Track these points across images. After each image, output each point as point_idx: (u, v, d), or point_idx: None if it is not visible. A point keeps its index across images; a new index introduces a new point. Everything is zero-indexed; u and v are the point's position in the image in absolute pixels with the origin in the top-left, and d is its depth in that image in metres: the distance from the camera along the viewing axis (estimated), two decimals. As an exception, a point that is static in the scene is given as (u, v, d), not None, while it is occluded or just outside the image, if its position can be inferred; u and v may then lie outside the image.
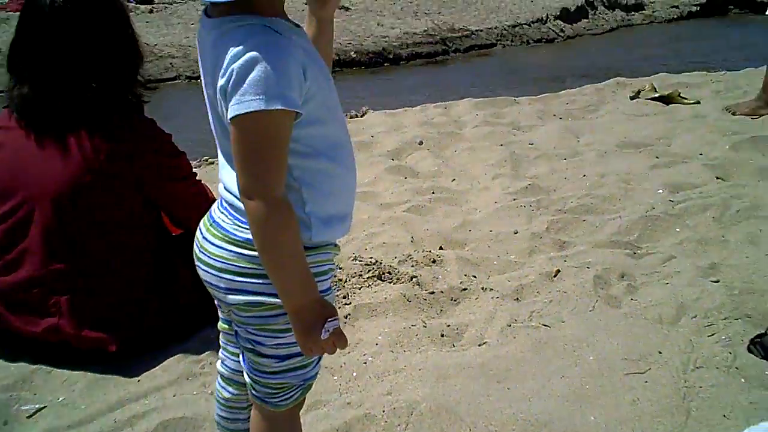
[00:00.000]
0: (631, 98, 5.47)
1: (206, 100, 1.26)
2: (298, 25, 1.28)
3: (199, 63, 1.26)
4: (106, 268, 2.10)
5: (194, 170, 2.32)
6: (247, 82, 1.08)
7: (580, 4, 14.97)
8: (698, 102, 5.24)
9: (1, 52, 9.74)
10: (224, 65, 1.10)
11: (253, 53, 1.08)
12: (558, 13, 14.29)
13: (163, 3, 12.00)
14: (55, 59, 2.13)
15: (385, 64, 10.45)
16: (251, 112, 1.08)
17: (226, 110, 1.12)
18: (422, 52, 11.67)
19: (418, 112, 5.38)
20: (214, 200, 2.34)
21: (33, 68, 2.17)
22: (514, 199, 3.40)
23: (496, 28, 13.18)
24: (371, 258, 2.76)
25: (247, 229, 1.24)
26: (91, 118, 2.16)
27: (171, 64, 9.37)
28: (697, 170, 3.73)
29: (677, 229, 3.02)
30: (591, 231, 3.07)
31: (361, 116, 5.28)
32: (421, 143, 4.44)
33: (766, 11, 4.76)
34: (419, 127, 4.86)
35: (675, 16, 16.01)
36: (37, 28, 2.17)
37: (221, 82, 1.12)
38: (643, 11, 15.95)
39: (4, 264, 2.10)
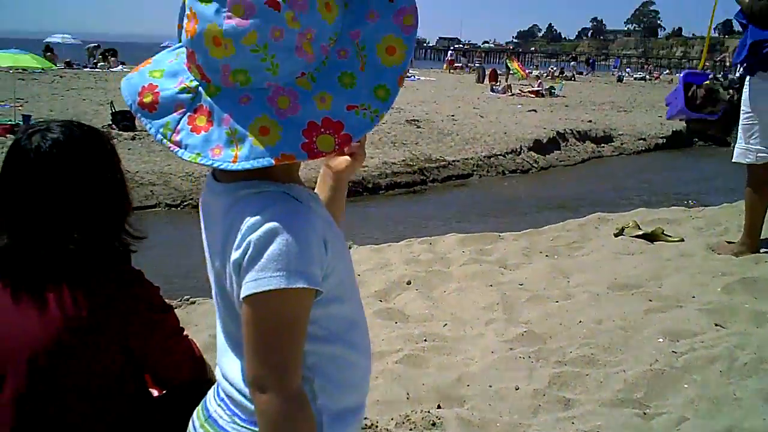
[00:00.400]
0: (615, 235, 5.47)
1: (210, 273, 1.14)
2: (314, 192, 1.18)
3: (203, 231, 1.15)
4: (81, 441, 1.89)
5: (181, 326, 2.15)
6: (265, 256, 0.96)
7: (552, 137, 15.55)
8: (682, 239, 5.25)
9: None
10: (239, 236, 0.99)
11: (273, 224, 0.97)
12: (531, 145, 14.81)
13: (145, 130, 12.13)
14: (37, 207, 2.00)
15: (365, 194, 10.54)
16: (270, 290, 0.96)
17: (238, 287, 1.00)
18: (401, 182, 11.88)
19: (404, 248, 5.32)
20: (201, 358, 2.18)
21: (13, 216, 2.03)
22: (511, 349, 3.26)
23: (472, 158, 13.56)
24: (366, 419, 2.56)
25: (248, 428, 1.08)
26: (74, 271, 2.01)
27: (151, 191, 9.37)
28: (694, 316, 3.65)
29: (685, 385, 2.88)
30: (595, 387, 2.92)
31: (346, 251, 5.20)
32: (409, 283, 4.33)
33: (731, 146, 4.84)
34: (406, 264, 4.78)
35: (642, 148, 16.71)
36: (19, 174, 2.04)
37: (235, 255, 0.99)
38: (612, 143, 16.62)
39: (-31, 434, 1.88)
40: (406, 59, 0.99)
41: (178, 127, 0.98)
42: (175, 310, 2.19)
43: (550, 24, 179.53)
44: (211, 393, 1.23)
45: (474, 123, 16.45)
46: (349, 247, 5.25)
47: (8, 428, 1.88)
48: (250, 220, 0.98)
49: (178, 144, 0.98)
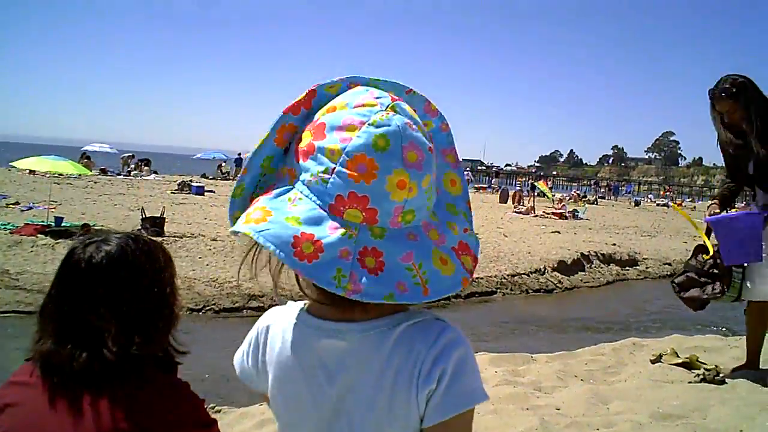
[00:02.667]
0: (653, 362, 5.30)
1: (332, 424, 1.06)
2: None
3: (324, 377, 1.06)
4: None
5: (220, 438, 2.07)
6: (466, 374, 1.01)
7: (576, 258, 15.48)
8: (718, 371, 5.05)
9: (9, 274, 9.77)
10: (428, 371, 1.00)
11: (462, 347, 1.03)
12: (555, 265, 14.73)
13: (173, 236, 12.30)
14: (83, 316, 1.98)
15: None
16: (472, 408, 1.02)
17: (420, 411, 1.01)
18: (423, 297, 11.78)
19: (434, 366, 5.17)
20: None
21: (58, 322, 2.01)
22: (555, 479, 3.08)
23: (495, 276, 13.48)
24: None
25: None
26: (116, 381, 1.95)
27: (175, 297, 9.35)
28: (745, 451, 3.45)
29: None
30: None
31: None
32: (441, 403, 4.17)
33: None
34: (437, 383, 4.63)
35: (668, 273, 16.48)
36: (69, 283, 2.05)
37: (431, 387, 1.00)
38: (637, 267, 16.49)
39: None
40: (465, 187, 1.15)
41: (353, 272, 0.95)
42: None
43: (571, 150, 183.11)
44: None
45: (498, 242, 16.48)
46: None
47: None
48: (434, 351, 1.01)
49: (358, 290, 0.95)
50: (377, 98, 1.01)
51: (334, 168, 0.97)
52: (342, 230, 0.97)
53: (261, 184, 1.08)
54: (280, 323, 1.13)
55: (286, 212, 0.99)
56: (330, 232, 0.96)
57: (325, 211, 0.98)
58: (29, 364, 2.01)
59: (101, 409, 1.88)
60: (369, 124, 0.97)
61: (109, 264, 1.96)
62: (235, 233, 0.99)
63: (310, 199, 0.99)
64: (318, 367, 1.06)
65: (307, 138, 1.02)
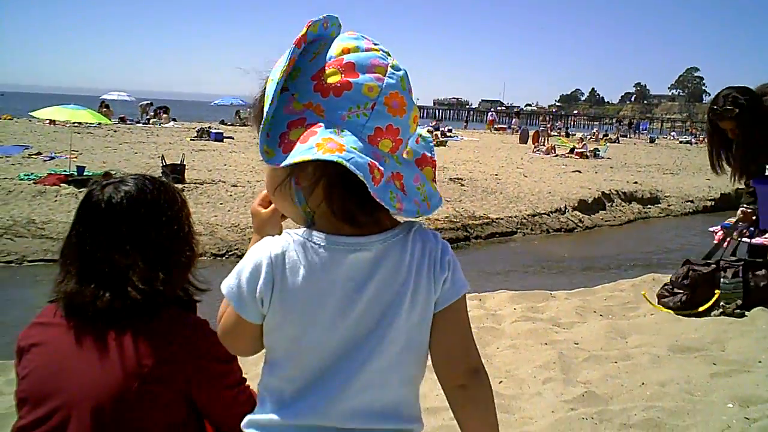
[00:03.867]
0: (672, 296, 5.30)
1: (370, 316, 1.18)
2: None
3: (355, 289, 1.17)
4: (142, 488, 1.84)
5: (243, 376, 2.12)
6: (458, 267, 1.23)
7: (597, 197, 15.38)
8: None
9: (35, 223, 9.93)
10: (440, 259, 1.20)
11: (447, 244, 1.24)
12: (576, 204, 14.65)
13: (194, 183, 12.38)
14: (105, 255, 2.01)
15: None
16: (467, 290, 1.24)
17: (437, 290, 1.19)
18: (444, 238, 11.79)
19: (453, 304, 5.23)
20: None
21: (81, 262, 2.04)
22: (572, 409, 3.13)
23: (515, 216, 13.45)
24: (424, 477, 2.46)
25: None
26: (139, 319, 2.00)
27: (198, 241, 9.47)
28: (763, 381, 3.48)
29: (762, 454, 2.72)
30: (665, 452, 2.77)
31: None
32: (461, 339, 4.23)
33: None
34: (457, 320, 4.68)
35: (690, 210, 16.36)
36: (90, 223, 2.07)
37: (445, 275, 1.19)
38: (659, 204, 16.34)
39: (31, 475, 1.85)
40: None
41: (396, 193, 1.14)
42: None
43: (593, 88, 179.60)
44: None
45: (518, 182, 16.40)
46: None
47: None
48: (439, 246, 1.21)
49: (401, 208, 1.15)
50: (376, 44, 1.17)
51: (374, 104, 1.11)
52: (383, 159, 1.13)
53: (277, 119, 1.13)
54: (295, 249, 1.16)
55: (349, 143, 1.10)
56: (378, 162, 1.10)
57: (364, 142, 1.10)
58: (52, 305, 2.06)
59: (125, 346, 1.93)
60: (391, 67, 1.13)
61: (130, 203, 1.98)
62: (322, 161, 1.06)
63: (351, 132, 1.10)
64: (348, 280, 1.16)
65: (335, 75, 1.11)
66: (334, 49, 1.13)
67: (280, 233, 1.25)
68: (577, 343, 4.23)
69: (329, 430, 1.20)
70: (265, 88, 1.16)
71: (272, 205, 1.32)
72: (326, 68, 1.12)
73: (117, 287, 1.97)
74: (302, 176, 1.15)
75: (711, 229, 5.36)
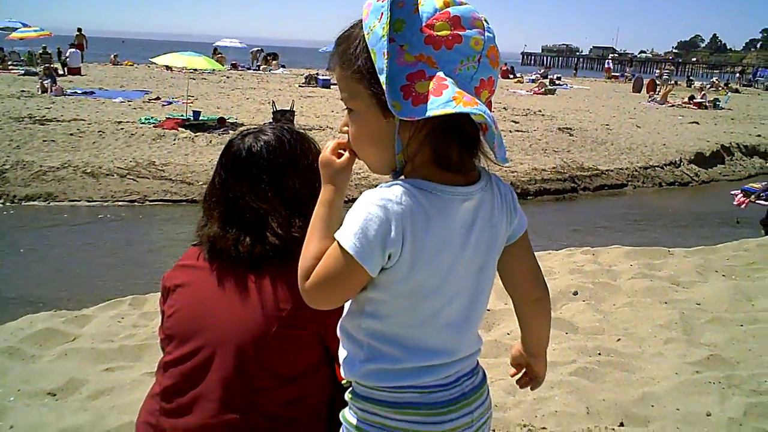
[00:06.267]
0: (803, 259, 5.01)
1: (470, 256, 1.26)
2: None
3: (466, 235, 1.24)
4: (281, 423, 1.94)
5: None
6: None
7: (715, 150, 14.59)
8: None
9: (155, 165, 10.45)
10: (513, 200, 1.32)
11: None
12: (692, 158, 13.96)
13: (303, 128, 12.58)
14: (245, 201, 2.09)
15: (513, 198, 10.37)
16: None
17: (511, 227, 1.32)
18: (551, 189, 11.56)
19: (566, 257, 5.15)
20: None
21: (223, 208, 2.13)
22: (697, 372, 3.04)
23: (626, 168, 12.96)
24: (544, 429, 2.48)
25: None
26: (277, 263, 2.07)
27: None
28: None
29: None
30: (799, 421, 2.66)
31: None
32: (575, 293, 4.17)
33: None
34: (570, 274, 4.61)
35: (820, 166, 15.23)
36: (231, 171, 2.15)
37: (518, 213, 1.33)
38: (785, 159, 15.30)
39: (177, 407, 1.98)
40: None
41: (495, 142, 1.19)
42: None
43: (714, 34, 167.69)
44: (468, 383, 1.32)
45: (630, 133, 15.74)
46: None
47: (213, 405, 1.96)
48: (509, 190, 1.33)
49: (501, 154, 1.21)
50: None
51: (479, 57, 1.14)
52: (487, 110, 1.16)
53: (392, 71, 1.13)
54: (418, 200, 1.18)
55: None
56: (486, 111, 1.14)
57: (472, 93, 1.12)
58: (195, 248, 2.16)
59: (265, 289, 2.01)
60: (485, 21, 1.16)
61: (269, 151, 2.05)
62: (466, 113, 1.10)
63: (463, 85, 1.12)
64: (461, 227, 1.23)
65: (445, 28, 1.12)
66: (436, 2, 1.14)
67: (347, 182, 1.32)
68: (698, 304, 4.08)
69: (448, 366, 1.29)
70: (350, 33, 1.18)
71: (345, 155, 1.31)
72: (434, 21, 1.12)
73: (257, 232, 2.04)
74: (406, 126, 1.16)
75: (732, 192, 5.08)
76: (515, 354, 1.51)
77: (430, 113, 1.08)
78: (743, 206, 4.82)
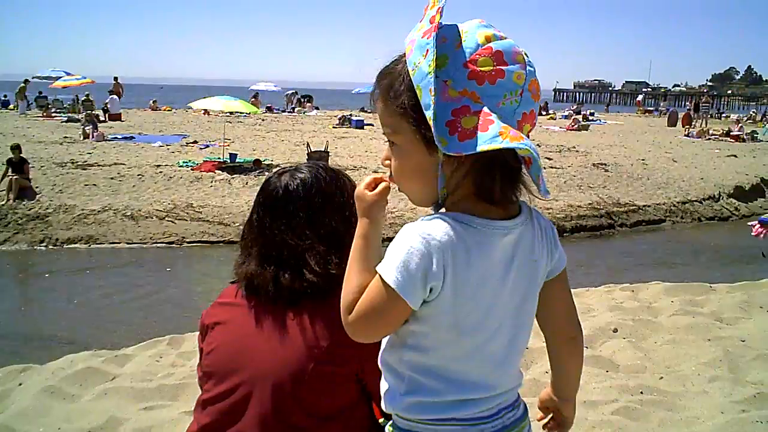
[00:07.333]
0: None
1: (524, 286, 1.28)
2: None
3: (505, 270, 1.24)
4: (318, 461, 1.93)
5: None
6: None
7: (755, 183, 14.33)
8: None
9: (193, 207, 10.61)
10: (553, 238, 1.32)
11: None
12: (732, 191, 13.73)
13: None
14: (282, 239, 2.11)
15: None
16: None
17: (551, 262, 1.32)
18: (587, 225, 11.46)
19: (605, 294, 5.07)
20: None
21: (261, 246, 2.15)
22: (744, 411, 2.95)
23: (664, 204, 12.80)
24: (586, 471, 2.42)
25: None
26: (315, 300, 2.08)
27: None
28: None
29: None
30: None
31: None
32: (615, 331, 4.10)
33: None
34: (610, 311, 4.54)
35: None
36: (269, 209, 2.18)
37: (558, 248, 1.33)
38: (830, 192, 14.92)
39: (215, 445, 1.98)
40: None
41: (540, 175, 1.21)
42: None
43: (749, 66, 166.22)
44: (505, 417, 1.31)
45: (666, 167, 15.57)
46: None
47: (253, 442, 1.95)
48: (550, 225, 1.33)
49: (546, 189, 1.23)
50: (498, 31, 1.20)
51: (522, 91, 1.15)
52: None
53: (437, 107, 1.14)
54: (459, 234, 1.18)
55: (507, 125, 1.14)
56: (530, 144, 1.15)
57: (516, 127, 1.13)
58: (233, 286, 2.18)
59: (303, 326, 2.01)
60: (525, 55, 1.16)
61: (306, 189, 2.08)
62: (512, 148, 1.12)
63: (506, 119, 1.13)
64: (500, 262, 1.23)
65: (488, 64, 1.13)
66: (478, 37, 1.16)
67: (382, 214, 1.32)
68: (743, 341, 3.97)
69: (489, 399, 1.28)
70: (393, 69, 1.21)
71: (380, 187, 1.32)
72: (477, 56, 1.14)
73: (295, 269, 2.06)
74: (450, 160, 1.16)
75: (750, 224, 4.95)
76: (544, 398, 1.49)
77: (479, 149, 1.09)
78: (761, 237, 4.71)
